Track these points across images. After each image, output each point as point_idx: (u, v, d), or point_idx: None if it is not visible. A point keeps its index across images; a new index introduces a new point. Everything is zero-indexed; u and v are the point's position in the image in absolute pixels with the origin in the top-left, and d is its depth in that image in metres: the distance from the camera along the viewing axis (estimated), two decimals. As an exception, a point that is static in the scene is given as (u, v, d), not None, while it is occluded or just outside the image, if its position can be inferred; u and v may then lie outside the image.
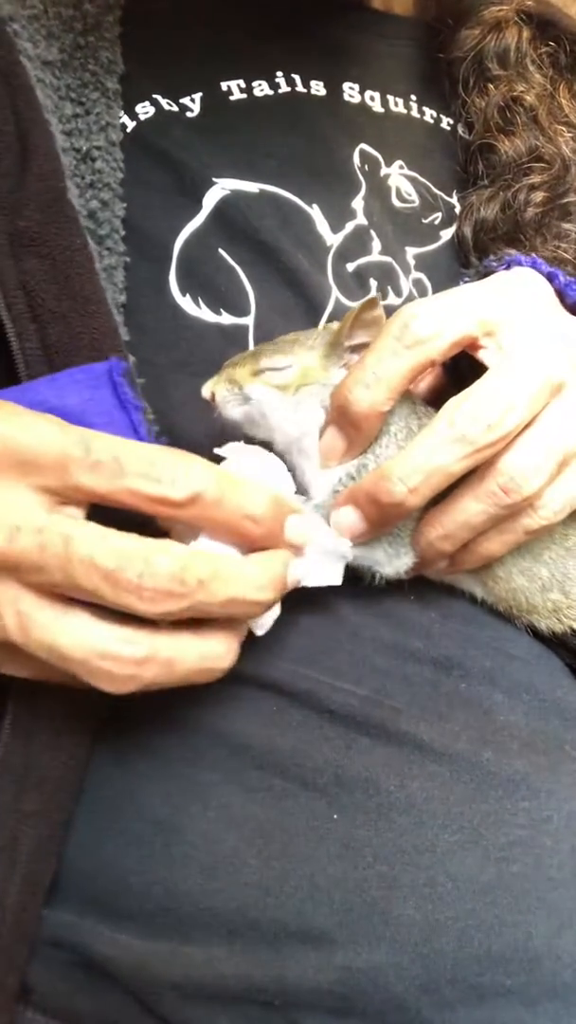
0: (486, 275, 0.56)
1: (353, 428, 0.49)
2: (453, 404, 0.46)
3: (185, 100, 0.64)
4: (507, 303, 0.50)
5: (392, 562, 0.52)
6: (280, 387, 0.51)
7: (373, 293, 0.49)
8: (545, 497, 0.49)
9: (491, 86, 0.69)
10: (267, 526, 0.44)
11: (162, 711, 0.49)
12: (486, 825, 0.45)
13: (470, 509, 0.48)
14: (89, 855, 0.47)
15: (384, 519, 0.48)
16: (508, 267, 0.55)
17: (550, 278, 0.54)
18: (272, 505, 0.44)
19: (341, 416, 0.49)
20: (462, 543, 0.50)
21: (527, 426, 0.47)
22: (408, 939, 0.42)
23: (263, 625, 0.47)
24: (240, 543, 0.44)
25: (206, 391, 0.52)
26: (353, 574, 0.52)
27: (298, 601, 0.53)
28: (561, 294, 0.54)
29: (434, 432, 0.46)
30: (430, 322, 0.47)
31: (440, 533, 0.49)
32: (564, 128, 0.68)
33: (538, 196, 0.65)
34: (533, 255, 0.56)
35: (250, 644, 0.51)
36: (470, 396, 0.46)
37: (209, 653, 0.43)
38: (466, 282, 0.59)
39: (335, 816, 0.45)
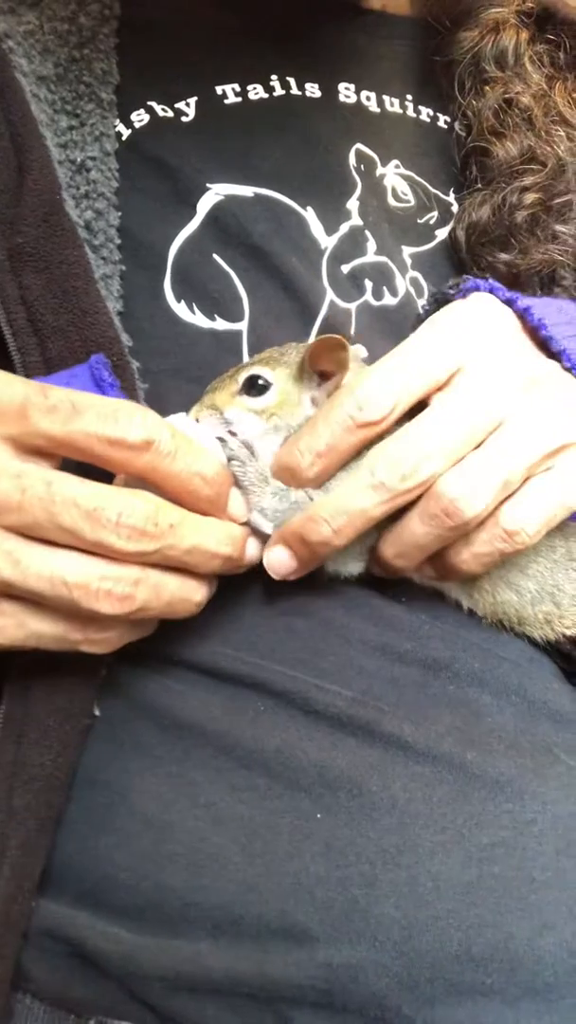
0: (444, 302, 0.56)
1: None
2: (376, 451, 0.48)
3: (180, 105, 0.64)
4: (461, 347, 0.51)
5: (341, 568, 0.54)
6: (258, 412, 0.53)
7: (340, 338, 0.50)
8: (517, 522, 0.49)
9: (487, 88, 0.69)
10: (215, 489, 0.47)
11: (153, 711, 0.51)
12: (469, 826, 0.46)
13: (417, 531, 0.49)
14: (84, 851, 0.49)
15: (312, 556, 0.50)
16: (465, 295, 0.55)
17: (509, 303, 0.54)
18: (221, 470, 0.48)
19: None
20: (418, 561, 0.52)
21: (472, 452, 0.49)
22: (388, 937, 0.43)
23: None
24: (188, 504, 0.47)
25: (191, 418, 0.53)
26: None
27: (288, 604, 0.54)
28: (522, 317, 0.54)
29: (357, 477, 0.48)
30: (382, 404, 0.48)
31: (394, 552, 0.51)
32: (559, 128, 0.67)
33: (529, 198, 0.65)
34: (490, 280, 0.55)
35: (239, 645, 0.52)
36: (391, 444, 0.48)
37: (186, 585, 0.47)
38: (425, 312, 0.59)
39: (319, 815, 0.46)
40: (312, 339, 0.61)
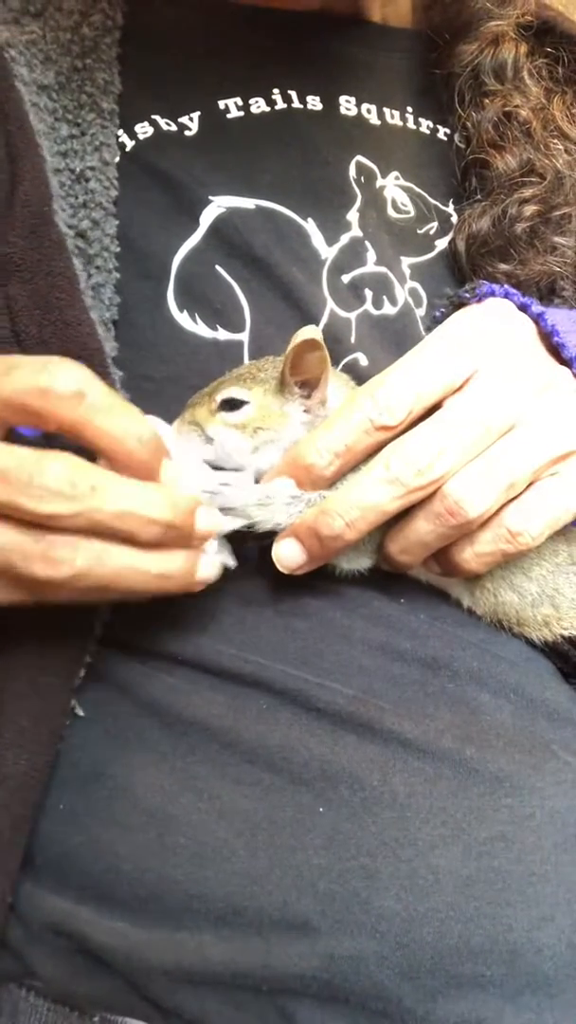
0: (460, 306, 0.57)
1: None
2: (391, 447, 0.50)
3: (183, 119, 0.66)
4: (476, 351, 0.52)
5: (351, 563, 0.55)
6: (238, 426, 0.54)
7: (307, 334, 0.51)
8: (521, 524, 0.51)
9: (487, 100, 0.70)
10: (150, 452, 0.45)
11: (158, 708, 0.52)
12: (468, 820, 0.47)
13: (422, 528, 0.51)
14: (87, 844, 0.50)
15: (323, 550, 0.51)
16: (480, 299, 0.56)
17: (523, 307, 0.55)
18: (155, 436, 0.46)
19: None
20: (421, 557, 0.53)
21: (477, 456, 0.50)
22: (389, 929, 0.44)
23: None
24: (127, 468, 0.45)
25: (174, 433, 0.55)
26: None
27: (289, 604, 0.55)
28: (535, 322, 0.56)
29: (371, 472, 0.49)
30: (400, 408, 0.50)
31: (399, 548, 0.53)
32: (558, 141, 0.68)
33: (528, 210, 0.66)
34: (506, 286, 0.57)
35: (242, 645, 0.53)
36: (407, 441, 0.50)
37: (135, 555, 0.45)
38: (440, 315, 0.60)
39: (321, 809, 0.47)
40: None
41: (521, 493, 0.52)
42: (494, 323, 0.54)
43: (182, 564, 0.47)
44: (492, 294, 0.56)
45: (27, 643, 0.51)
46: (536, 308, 0.55)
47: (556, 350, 0.55)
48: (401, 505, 0.50)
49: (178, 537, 0.46)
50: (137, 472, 0.45)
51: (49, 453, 0.43)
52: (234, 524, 0.51)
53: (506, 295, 0.56)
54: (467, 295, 0.58)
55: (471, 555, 0.52)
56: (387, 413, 0.50)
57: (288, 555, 0.52)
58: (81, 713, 0.52)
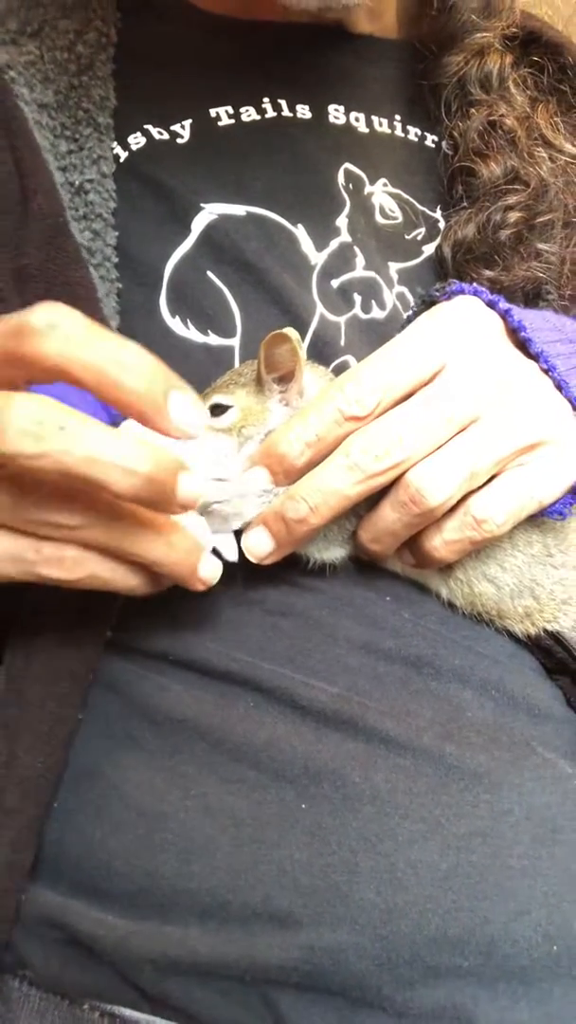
0: (431, 304, 0.58)
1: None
2: (353, 436, 0.51)
3: (175, 127, 0.67)
4: (445, 346, 0.53)
5: (323, 553, 0.56)
6: (225, 430, 0.56)
7: (284, 329, 0.53)
8: (486, 511, 0.52)
9: (473, 110, 0.71)
10: (143, 382, 0.41)
11: (147, 707, 0.53)
12: (447, 816, 0.48)
13: (388, 517, 0.52)
14: (80, 841, 0.51)
15: (290, 535, 0.52)
16: (450, 297, 0.58)
17: (491, 304, 0.56)
18: (151, 365, 0.42)
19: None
20: (391, 546, 0.54)
21: (441, 445, 0.51)
22: (368, 921, 0.45)
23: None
24: (122, 405, 0.42)
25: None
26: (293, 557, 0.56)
27: (275, 604, 0.56)
28: (503, 319, 0.57)
29: (333, 459, 0.51)
30: (369, 399, 0.51)
31: (369, 536, 0.54)
32: (542, 149, 0.70)
33: (513, 217, 0.67)
34: (475, 284, 0.58)
35: (230, 644, 0.54)
36: (367, 429, 0.51)
37: (129, 530, 0.45)
38: (413, 313, 0.62)
39: (303, 806, 0.48)
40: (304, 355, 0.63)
41: (488, 482, 0.53)
42: (463, 319, 0.55)
43: (188, 541, 0.47)
44: (461, 292, 0.58)
45: (44, 650, 0.53)
46: (503, 305, 0.56)
47: (523, 345, 0.57)
48: (362, 491, 0.51)
49: (158, 497, 0.43)
50: (138, 410, 0.42)
51: (22, 393, 0.41)
52: (219, 496, 0.52)
53: (474, 293, 0.57)
54: (437, 293, 0.59)
55: (440, 543, 0.53)
56: (356, 404, 0.51)
57: (256, 543, 0.53)
58: (79, 716, 0.54)
